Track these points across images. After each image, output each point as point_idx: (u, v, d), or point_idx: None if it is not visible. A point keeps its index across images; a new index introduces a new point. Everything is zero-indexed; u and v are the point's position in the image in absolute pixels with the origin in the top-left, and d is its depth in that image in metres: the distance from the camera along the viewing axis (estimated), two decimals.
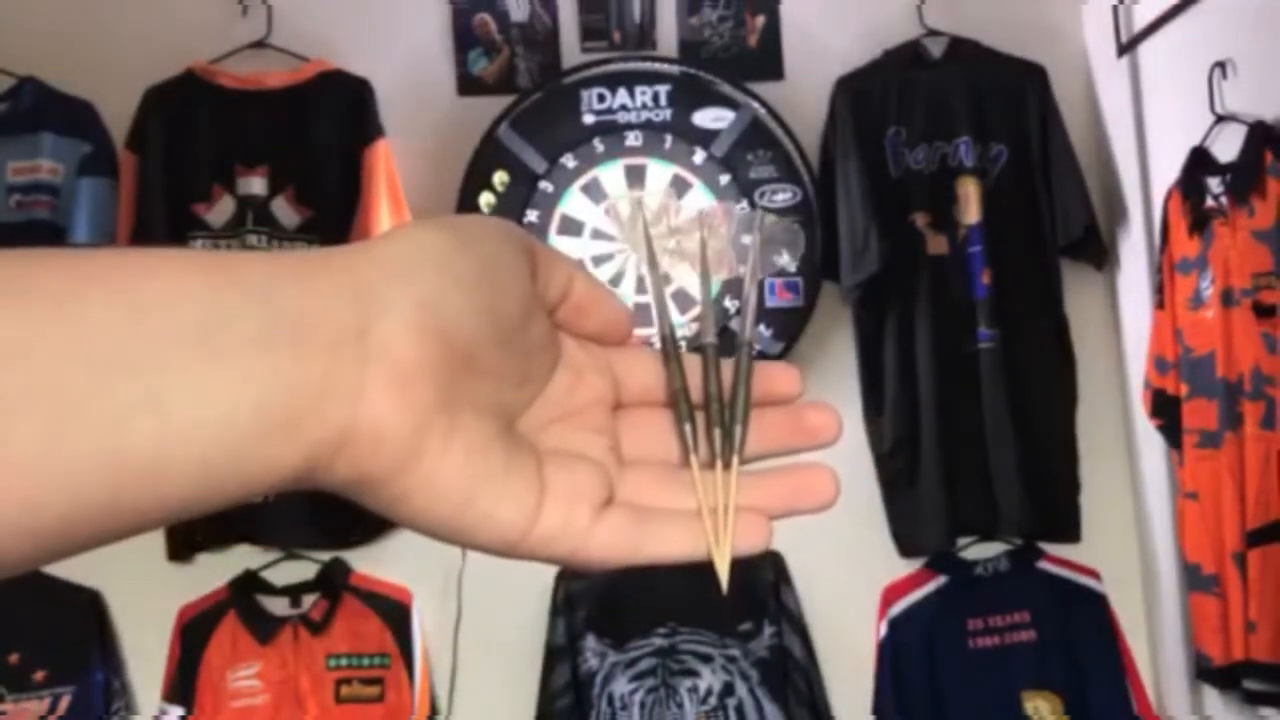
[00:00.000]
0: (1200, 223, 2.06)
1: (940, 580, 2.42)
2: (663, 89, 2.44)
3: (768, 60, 2.54)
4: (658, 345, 0.41)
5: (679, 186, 2.41)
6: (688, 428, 0.39)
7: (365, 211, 2.34)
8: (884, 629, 2.39)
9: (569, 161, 2.41)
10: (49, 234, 2.31)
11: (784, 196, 2.41)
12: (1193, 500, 2.09)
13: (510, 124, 2.41)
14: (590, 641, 2.33)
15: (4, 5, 2.44)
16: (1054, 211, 2.40)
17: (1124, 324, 2.49)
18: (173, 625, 2.33)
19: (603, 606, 2.33)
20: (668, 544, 0.37)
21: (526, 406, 0.37)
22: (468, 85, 2.53)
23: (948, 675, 2.36)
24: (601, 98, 2.43)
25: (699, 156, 2.41)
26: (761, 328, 2.37)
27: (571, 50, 2.53)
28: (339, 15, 2.51)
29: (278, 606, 2.36)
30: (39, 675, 2.29)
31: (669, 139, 2.42)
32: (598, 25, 2.53)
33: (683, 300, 2.30)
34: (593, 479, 0.37)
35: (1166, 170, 2.20)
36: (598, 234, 2.40)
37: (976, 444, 2.36)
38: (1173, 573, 2.30)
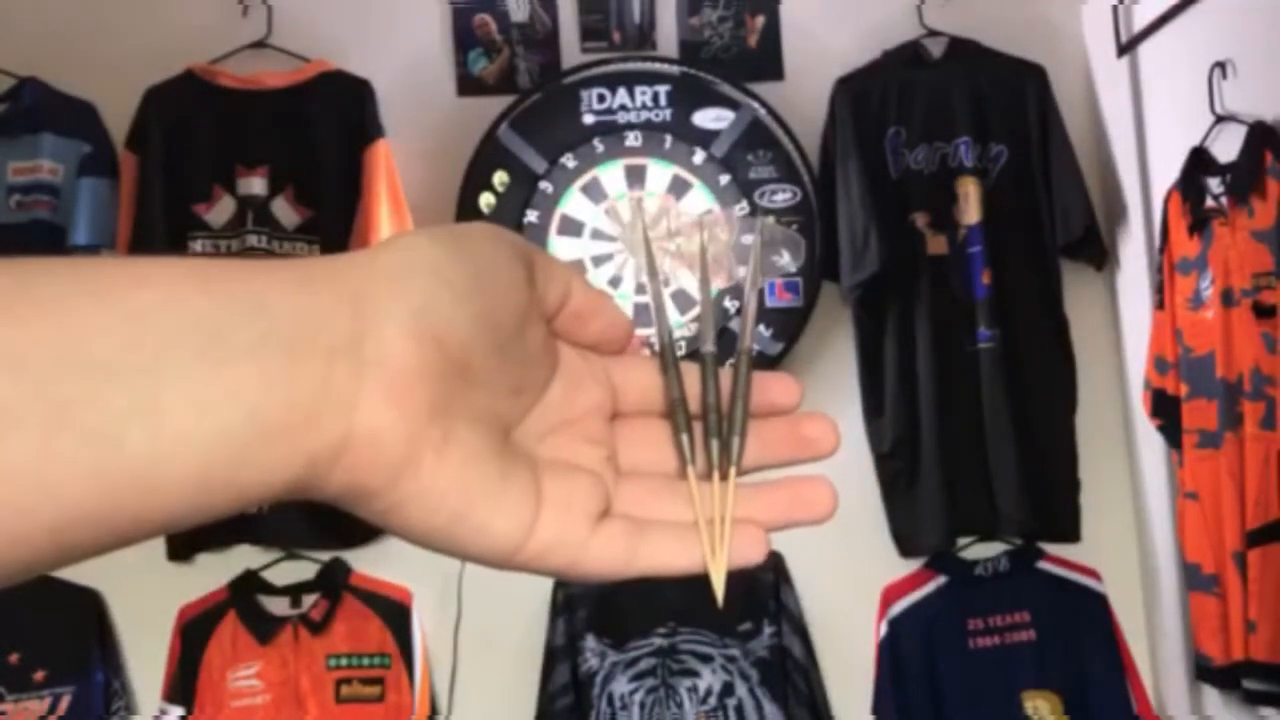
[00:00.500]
0: (1200, 223, 2.06)
1: (940, 580, 2.42)
2: (663, 89, 2.44)
3: (768, 60, 2.54)
4: (656, 346, 0.41)
5: (679, 187, 2.41)
6: (685, 439, 0.39)
7: (365, 212, 2.34)
8: (884, 629, 2.40)
9: (569, 162, 2.41)
10: (49, 234, 2.31)
11: (784, 197, 2.41)
12: (1193, 500, 2.09)
13: (510, 124, 2.41)
14: (590, 641, 2.33)
15: (4, 5, 2.44)
16: (1054, 211, 2.40)
17: (1124, 324, 2.49)
18: (173, 625, 2.33)
19: (603, 607, 2.33)
20: (664, 556, 0.37)
21: (523, 416, 0.37)
22: (468, 85, 2.53)
23: (948, 675, 2.36)
24: (601, 98, 2.43)
25: (699, 157, 2.41)
26: (761, 328, 2.37)
27: (571, 50, 2.53)
28: (339, 15, 2.51)
29: (278, 606, 2.36)
30: (39, 675, 2.29)
31: (669, 139, 2.42)
32: (598, 25, 2.53)
33: (682, 300, 2.30)
34: (589, 490, 0.36)
35: (1166, 170, 2.20)
36: (597, 234, 2.40)
37: (976, 444, 2.36)
38: (1173, 573, 2.30)
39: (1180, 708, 2.32)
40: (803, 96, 2.48)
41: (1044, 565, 2.42)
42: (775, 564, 2.35)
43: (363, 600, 2.37)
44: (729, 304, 2.30)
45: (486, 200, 2.39)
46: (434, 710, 2.37)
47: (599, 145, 2.41)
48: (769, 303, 2.37)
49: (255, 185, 2.36)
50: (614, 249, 2.39)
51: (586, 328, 0.39)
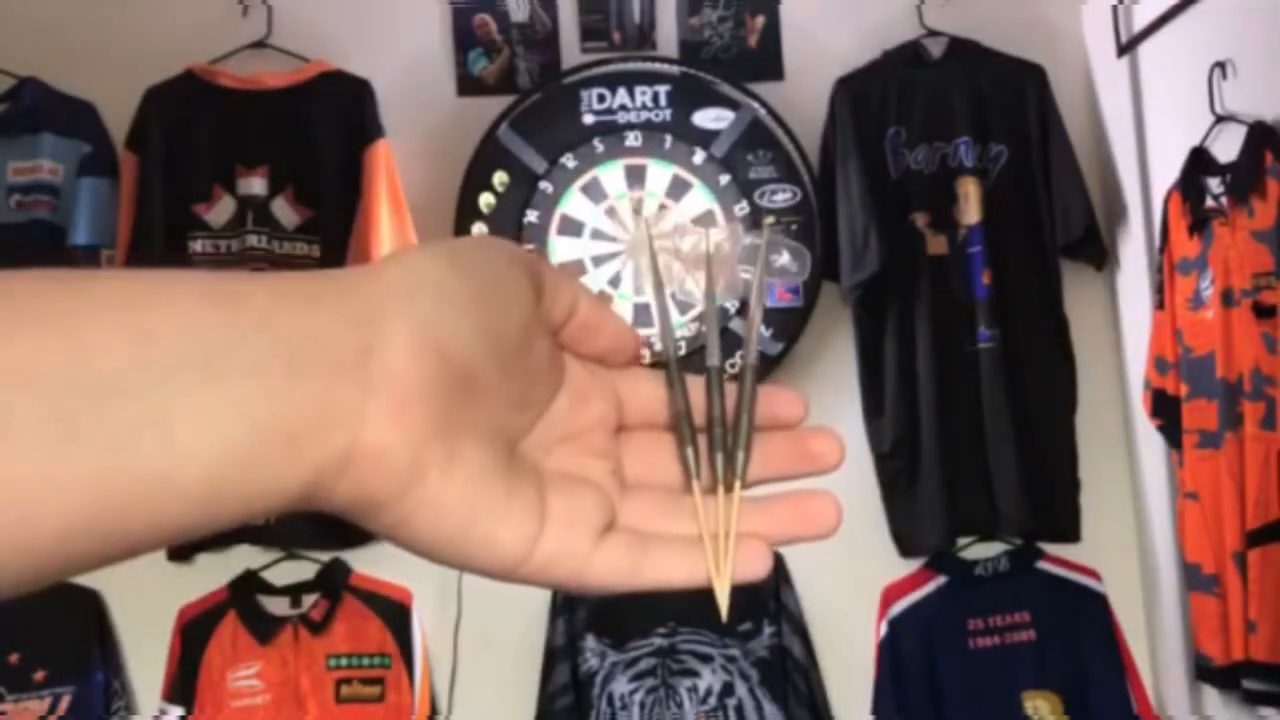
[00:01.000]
0: (1200, 223, 2.06)
1: (940, 580, 2.42)
2: (663, 89, 2.44)
3: (768, 60, 2.54)
4: (659, 349, 0.41)
5: (679, 187, 2.41)
6: (690, 452, 0.39)
7: (365, 212, 2.34)
8: (884, 629, 2.40)
9: (569, 162, 2.41)
10: (49, 234, 2.31)
11: (784, 197, 2.41)
12: (1193, 500, 2.09)
13: (510, 124, 2.41)
14: (590, 641, 2.33)
15: (4, 5, 2.44)
16: (1054, 211, 2.40)
17: (1124, 324, 2.49)
18: (173, 625, 2.33)
19: (603, 607, 2.33)
20: (668, 570, 0.37)
21: (529, 429, 0.37)
22: (468, 85, 2.53)
23: (948, 675, 2.36)
24: (601, 98, 2.43)
25: (699, 157, 2.41)
26: (761, 328, 2.36)
27: (571, 50, 2.53)
28: (339, 15, 2.50)
29: (278, 606, 2.36)
30: (39, 675, 2.29)
31: (669, 139, 2.42)
32: (598, 25, 2.53)
33: (681, 301, 2.29)
34: (594, 504, 0.37)
35: (1166, 170, 2.20)
36: (597, 234, 2.40)
37: (976, 444, 2.36)
38: (1173, 573, 2.30)
39: (1180, 708, 2.32)
40: (803, 96, 2.48)
41: (1044, 565, 2.42)
42: (775, 564, 2.34)
43: (363, 600, 2.37)
44: (729, 304, 2.30)
45: (486, 200, 2.39)
46: (434, 710, 2.37)
47: (599, 145, 2.41)
48: (769, 303, 2.37)
49: (255, 185, 2.35)
50: (614, 249, 2.39)
51: (592, 341, 0.39)
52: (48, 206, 2.33)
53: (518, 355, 0.36)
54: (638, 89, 2.44)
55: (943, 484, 2.35)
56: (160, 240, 2.30)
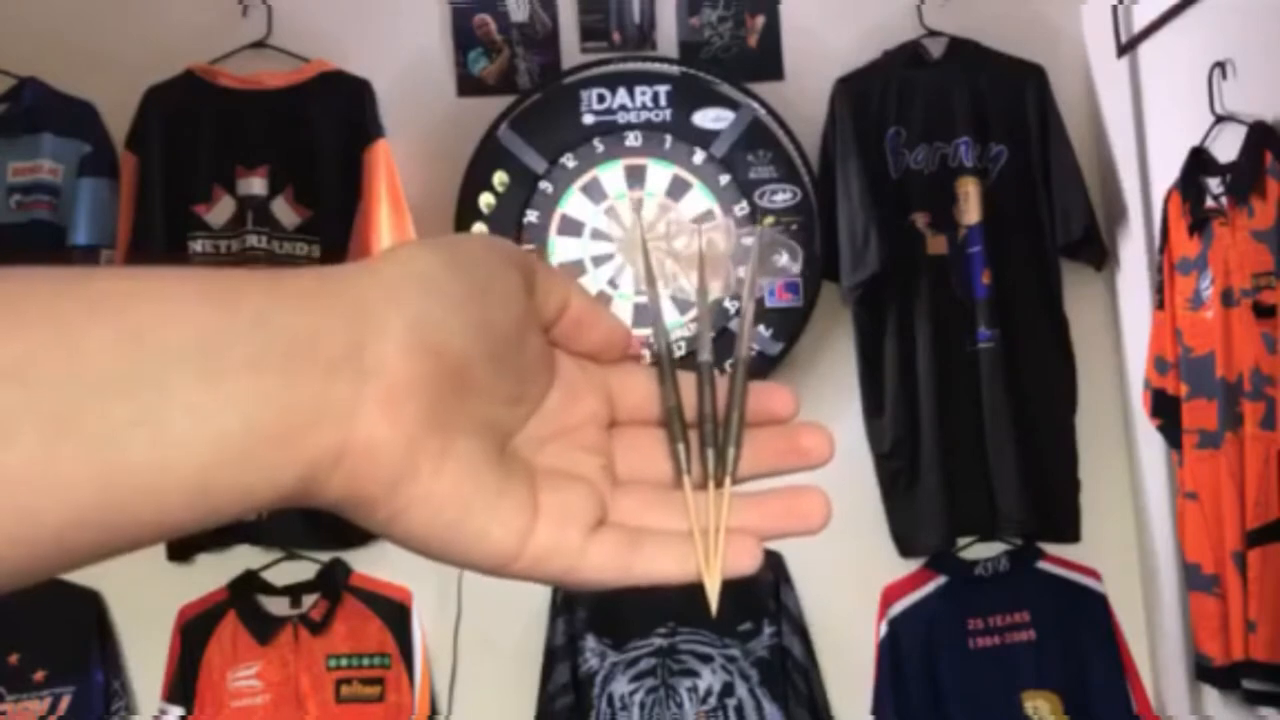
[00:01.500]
0: (1200, 223, 2.06)
1: (940, 580, 2.42)
2: (662, 89, 2.44)
3: (767, 60, 2.54)
4: (654, 352, 0.41)
5: (679, 187, 2.41)
6: (680, 448, 0.39)
7: (365, 212, 2.34)
8: (884, 629, 2.40)
9: (569, 162, 2.41)
10: (49, 234, 2.31)
11: (784, 197, 2.41)
12: (1193, 500, 2.09)
13: (510, 124, 2.41)
14: (590, 641, 2.33)
15: (4, 5, 2.44)
16: (1054, 211, 2.40)
17: (1124, 324, 2.49)
18: (173, 625, 2.34)
19: (602, 606, 2.33)
20: (659, 565, 0.37)
21: (521, 425, 0.38)
22: (468, 85, 2.53)
23: (947, 675, 2.36)
24: (601, 98, 2.43)
25: (699, 157, 2.41)
26: (761, 328, 2.37)
27: (571, 50, 2.53)
28: (339, 15, 2.51)
29: (278, 607, 2.37)
30: (39, 675, 2.29)
31: (669, 139, 2.42)
32: (598, 25, 2.53)
33: (681, 300, 2.29)
34: (585, 499, 0.37)
35: (1166, 170, 2.20)
36: (597, 234, 2.40)
37: (976, 444, 2.36)
38: (1173, 573, 2.30)
39: (1180, 708, 2.32)
40: (803, 96, 2.48)
41: (1044, 565, 2.42)
42: (775, 564, 2.35)
43: (363, 600, 2.37)
44: (729, 304, 2.30)
45: (486, 200, 2.39)
46: (434, 710, 2.37)
47: (599, 145, 2.41)
48: (769, 303, 2.37)
49: (255, 185, 2.36)
50: (614, 249, 2.39)
51: (585, 337, 0.39)
52: (48, 207, 2.33)
53: (510, 352, 0.36)
54: (638, 89, 2.44)
55: (943, 484, 2.35)
56: (160, 240, 2.30)
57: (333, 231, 2.36)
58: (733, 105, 2.43)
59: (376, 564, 2.39)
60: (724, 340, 2.25)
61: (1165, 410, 2.17)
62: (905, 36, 2.49)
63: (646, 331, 1.93)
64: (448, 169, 2.39)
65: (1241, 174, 1.97)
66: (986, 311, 2.36)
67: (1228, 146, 2.03)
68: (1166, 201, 2.17)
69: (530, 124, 2.42)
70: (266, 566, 2.38)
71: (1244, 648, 1.95)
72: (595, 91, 2.44)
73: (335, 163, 2.37)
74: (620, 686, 2.31)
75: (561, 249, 2.38)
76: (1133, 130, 2.40)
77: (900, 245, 2.37)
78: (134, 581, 2.31)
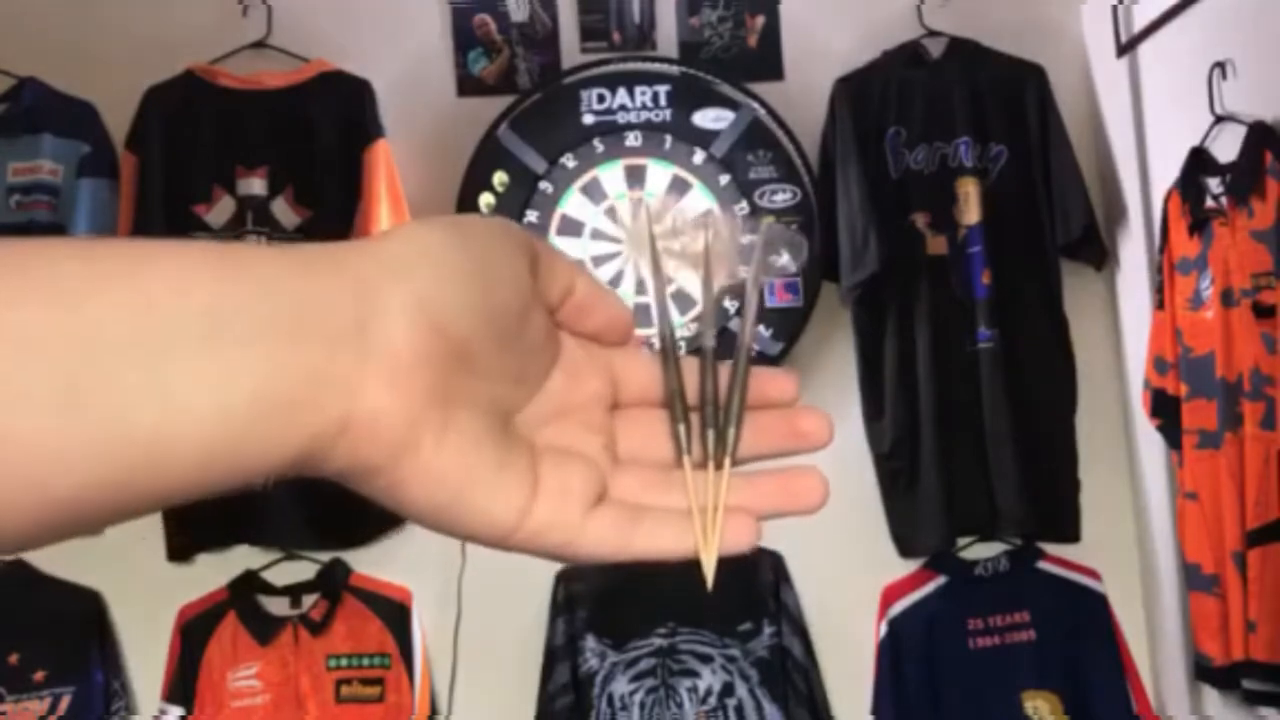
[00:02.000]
0: (1200, 223, 2.06)
1: (940, 580, 2.42)
2: (662, 89, 2.44)
3: (767, 60, 2.54)
4: (658, 345, 0.42)
5: (679, 187, 2.41)
6: (681, 428, 0.40)
7: (365, 212, 2.34)
8: (884, 629, 2.40)
9: (569, 162, 2.41)
10: (49, 235, 2.31)
11: (784, 197, 2.41)
12: (1193, 500, 2.09)
13: (510, 124, 2.41)
14: (590, 641, 2.33)
15: (4, 5, 2.44)
16: (1054, 211, 2.40)
17: (1124, 324, 2.49)
18: (173, 625, 2.34)
19: (602, 606, 2.33)
20: (657, 541, 0.38)
21: (524, 403, 0.38)
22: (468, 85, 2.53)
23: (947, 675, 2.36)
24: (601, 98, 2.43)
25: (699, 157, 2.41)
26: (761, 328, 2.37)
27: (571, 50, 2.53)
28: (339, 15, 2.51)
29: (278, 607, 2.37)
30: (39, 675, 2.29)
31: (669, 139, 2.42)
32: (598, 25, 2.53)
33: (682, 300, 2.29)
34: (585, 476, 0.38)
35: (1166, 170, 2.20)
36: (597, 234, 2.40)
37: (976, 444, 2.36)
38: (1173, 573, 2.30)
39: (1180, 708, 2.32)
40: (803, 96, 2.48)
41: (1044, 565, 2.42)
42: (775, 564, 2.35)
43: (363, 600, 2.37)
44: (729, 304, 2.30)
45: (486, 200, 2.39)
46: (434, 710, 2.37)
47: (599, 145, 2.42)
48: (769, 303, 2.37)
49: (255, 185, 2.36)
50: (614, 249, 2.39)
51: (588, 320, 0.40)
52: (48, 207, 2.33)
53: (514, 331, 0.36)
54: (638, 89, 2.44)
55: (942, 484, 2.35)
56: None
57: (333, 232, 2.35)
58: (733, 105, 2.43)
59: (376, 564, 2.39)
60: (724, 340, 2.24)
61: (1165, 410, 2.17)
62: (905, 36, 2.49)
63: (648, 332, 1.93)
64: (448, 169, 2.39)
65: (1241, 174, 1.97)
66: (986, 311, 2.36)
67: (1227, 146, 2.03)
68: (1166, 201, 2.17)
69: (530, 124, 2.42)
70: (266, 566, 2.38)
71: (1244, 648, 1.95)
72: (595, 91, 2.44)
73: (335, 163, 2.37)
74: (620, 686, 2.31)
75: (561, 249, 2.38)
76: (1132, 130, 2.40)
77: (900, 245, 2.37)
78: (134, 581, 2.31)
